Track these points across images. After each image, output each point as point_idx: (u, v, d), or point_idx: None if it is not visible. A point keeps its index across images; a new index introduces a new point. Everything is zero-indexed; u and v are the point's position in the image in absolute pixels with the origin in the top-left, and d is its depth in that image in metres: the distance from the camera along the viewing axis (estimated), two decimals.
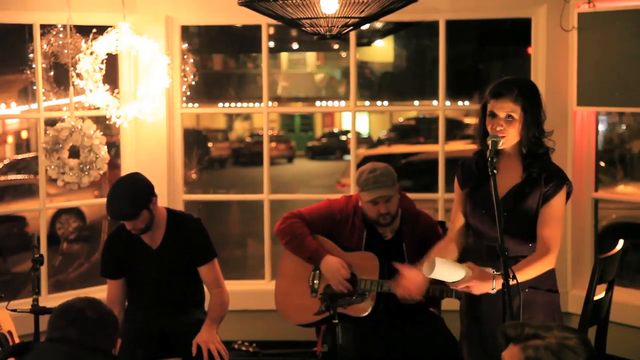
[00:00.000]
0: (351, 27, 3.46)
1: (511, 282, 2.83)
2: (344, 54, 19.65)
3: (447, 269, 2.97)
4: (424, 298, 3.70)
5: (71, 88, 4.96)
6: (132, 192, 3.87)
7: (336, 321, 3.40)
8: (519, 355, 2.00)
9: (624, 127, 9.39)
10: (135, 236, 3.99)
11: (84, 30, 4.97)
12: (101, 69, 4.92)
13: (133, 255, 4.01)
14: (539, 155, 3.18)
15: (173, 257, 3.99)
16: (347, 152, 10.87)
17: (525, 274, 3.05)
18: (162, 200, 4.47)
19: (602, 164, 8.20)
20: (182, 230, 4.03)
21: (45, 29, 4.97)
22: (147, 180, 3.96)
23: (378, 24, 12.30)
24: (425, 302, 3.93)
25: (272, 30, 10.62)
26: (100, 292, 5.11)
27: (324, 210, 4.20)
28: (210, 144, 20.70)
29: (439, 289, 3.78)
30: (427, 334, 3.98)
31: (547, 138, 3.19)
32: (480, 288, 3.00)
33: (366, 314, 3.98)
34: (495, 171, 2.96)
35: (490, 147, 3.02)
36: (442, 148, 5.41)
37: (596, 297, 3.59)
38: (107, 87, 4.96)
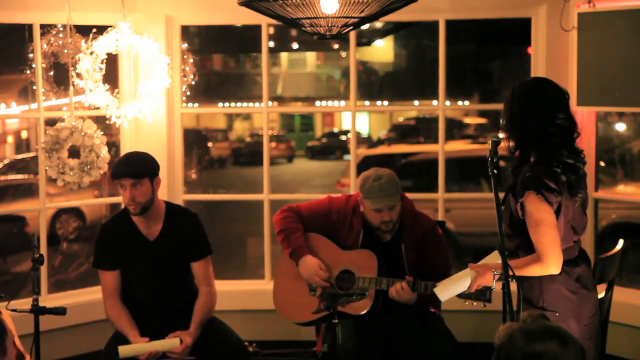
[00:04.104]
0: (351, 27, 3.46)
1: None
2: (344, 54, 19.65)
3: (451, 287, 3.30)
4: (418, 295, 3.88)
5: (71, 88, 4.96)
6: (144, 157, 4.02)
7: (336, 321, 3.40)
8: None
9: (624, 127, 9.39)
10: (131, 227, 3.99)
11: (84, 30, 4.97)
12: (101, 68, 4.92)
13: (129, 246, 3.99)
14: (522, 161, 3.22)
15: (169, 250, 3.99)
16: (347, 152, 10.87)
17: (516, 270, 3.11)
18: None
19: (602, 164, 8.21)
20: (179, 224, 4.03)
21: (45, 28, 4.97)
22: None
23: (378, 24, 12.30)
24: (421, 301, 3.94)
25: (272, 30, 10.61)
26: (100, 292, 5.11)
27: (322, 208, 4.18)
28: (210, 144, 20.71)
29: (430, 284, 3.81)
30: (427, 332, 3.97)
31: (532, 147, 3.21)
32: (484, 281, 3.19)
33: (364, 312, 3.97)
34: (495, 171, 2.97)
35: (490, 148, 3.03)
36: (442, 148, 5.41)
37: None
38: (107, 87, 4.96)
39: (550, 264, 3.11)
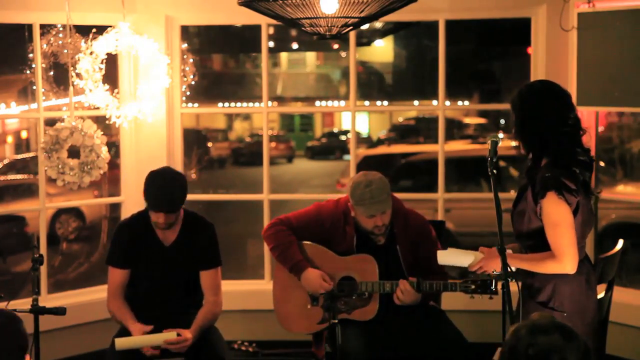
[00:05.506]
0: (351, 27, 3.46)
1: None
2: (343, 54, 19.66)
3: (453, 257, 3.39)
4: (422, 294, 3.86)
5: (71, 88, 4.96)
6: (180, 185, 3.94)
7: (336, 321, 3.39)
8: None
9: (624, 127, 9.39)
10: (149, 230, 4.00)
11: (84, 30, 4.97)
12: (101, 68, 4.92)
13: (144, 248, 4.00)
14: (536, 162, 3.21)
15: (183, 256, 4.00)
16: (347, 152, 10.87)
17: (521, 262, 3.18)
18: None
19: (602, 164, 8.21)
20: (195, 232, 4.04)
21: (45, 28, 4.97)
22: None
23: (378, 24, 12.29)
24: (424, 298, 3.94)
25: (272, 30, 10.61)
26: (100, 292, 5.12)
27: (312, 216, 4.10)
28: (210, 144, 20.71)
29: (435, 283, 3.80)
30: (432, 326, 3.95)
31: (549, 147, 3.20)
32: (489, 265, 3.26)
33: (373, 316, 3.95)
34: (495, 171, 2.97)
35: (489, 148, 3.03)
36: (441, 148, 5.41)
37: None
38: (107, 87, 4.96)
39: (566, 263, 3.12)
